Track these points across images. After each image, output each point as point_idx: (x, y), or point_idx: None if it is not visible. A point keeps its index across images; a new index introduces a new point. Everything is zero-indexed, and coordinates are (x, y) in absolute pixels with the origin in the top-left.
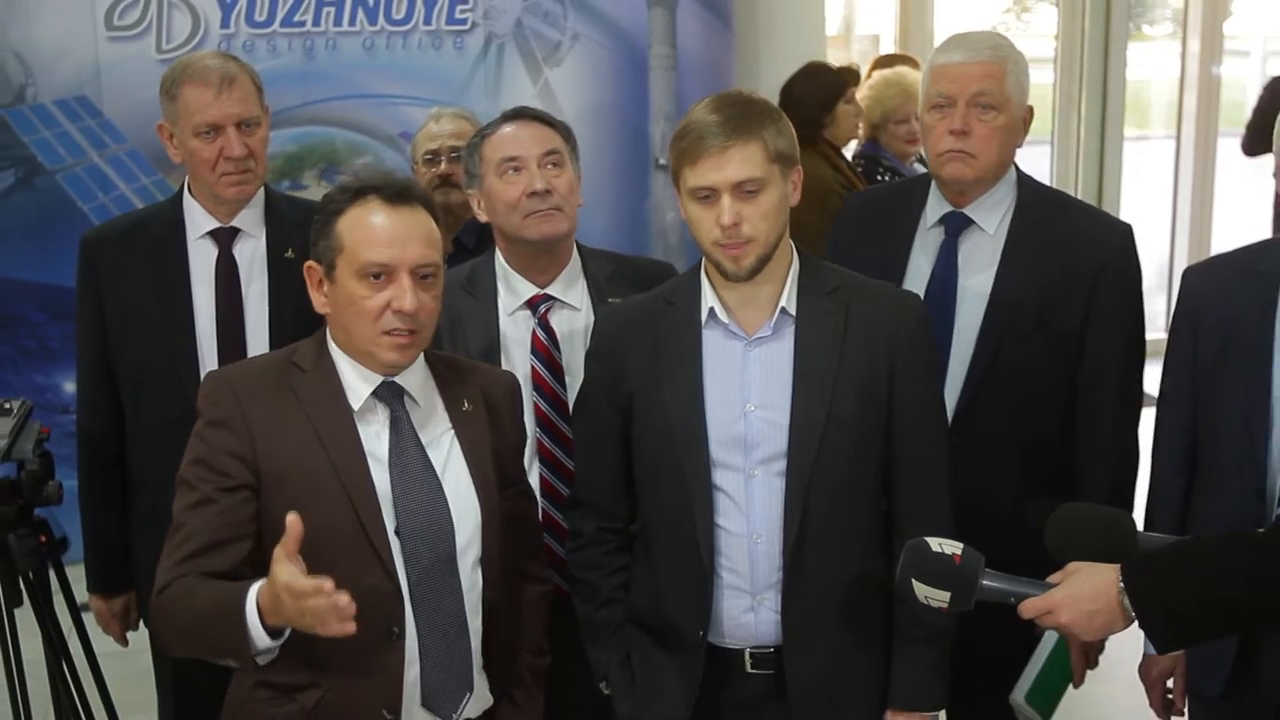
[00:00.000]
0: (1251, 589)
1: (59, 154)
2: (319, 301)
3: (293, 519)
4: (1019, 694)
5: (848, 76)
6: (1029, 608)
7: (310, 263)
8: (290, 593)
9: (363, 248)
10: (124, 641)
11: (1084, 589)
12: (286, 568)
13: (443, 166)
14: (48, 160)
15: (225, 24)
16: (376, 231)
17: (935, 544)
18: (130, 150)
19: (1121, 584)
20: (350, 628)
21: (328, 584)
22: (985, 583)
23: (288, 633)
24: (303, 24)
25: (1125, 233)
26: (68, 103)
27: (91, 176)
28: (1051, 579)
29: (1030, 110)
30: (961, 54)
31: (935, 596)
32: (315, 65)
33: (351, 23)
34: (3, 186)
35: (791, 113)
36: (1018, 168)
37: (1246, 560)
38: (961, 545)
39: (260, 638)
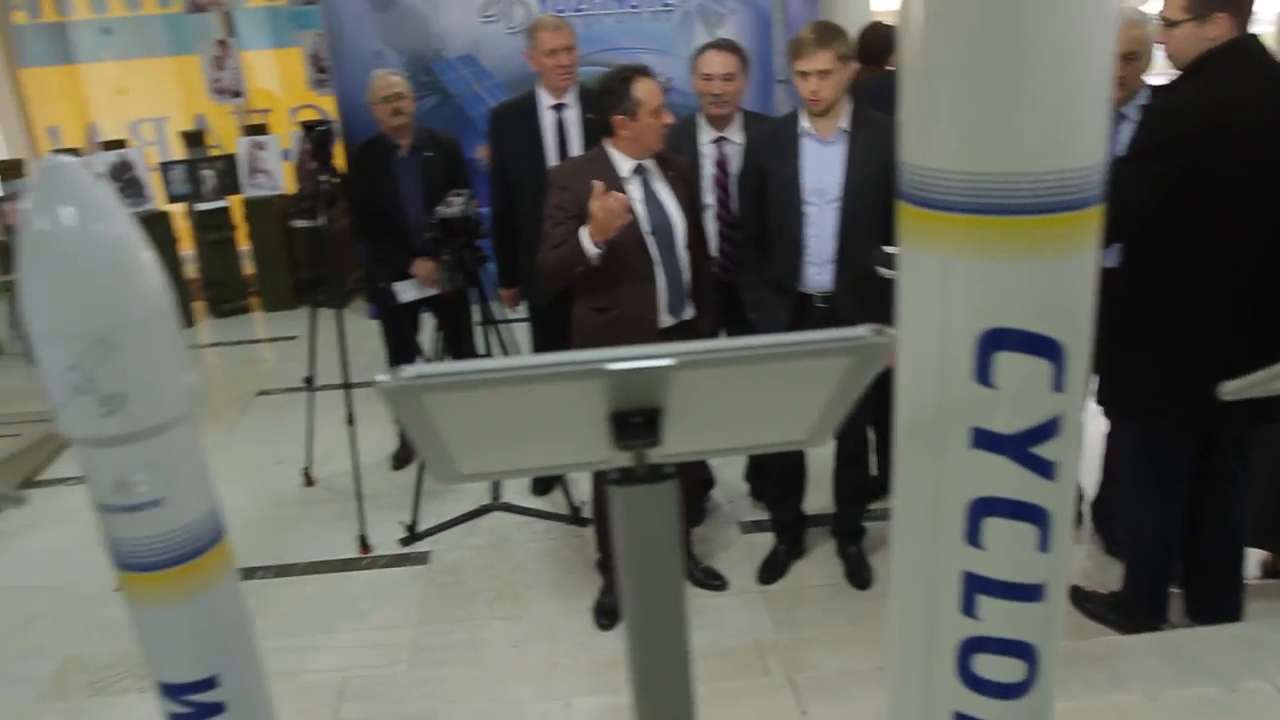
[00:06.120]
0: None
1: (459, 86)
2: (623, 133)
3: (598, 184)
4: None
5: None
6: None
7: (618, 115)
8: (600, 208)
9: (652, 98)
10: (515, 309)
11: None
12: (596, 199)
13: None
14: (454, 89)
15: (540, 11)
16: (653, 91)
17: (890, 249)
18: (496, 83)
19: None
20: (628, 218)
21: (614, 194)
22: None
23: (603, 248)
24: (582, 9)
25: None
26: (463, 59)
27: (475, 98)
28: None
29: None
30: None
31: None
32: (589, 33)
33: (606, 7)
34: (433, 104)
35: (866, 47)
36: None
37: None
38: None
39: (589, 248)
